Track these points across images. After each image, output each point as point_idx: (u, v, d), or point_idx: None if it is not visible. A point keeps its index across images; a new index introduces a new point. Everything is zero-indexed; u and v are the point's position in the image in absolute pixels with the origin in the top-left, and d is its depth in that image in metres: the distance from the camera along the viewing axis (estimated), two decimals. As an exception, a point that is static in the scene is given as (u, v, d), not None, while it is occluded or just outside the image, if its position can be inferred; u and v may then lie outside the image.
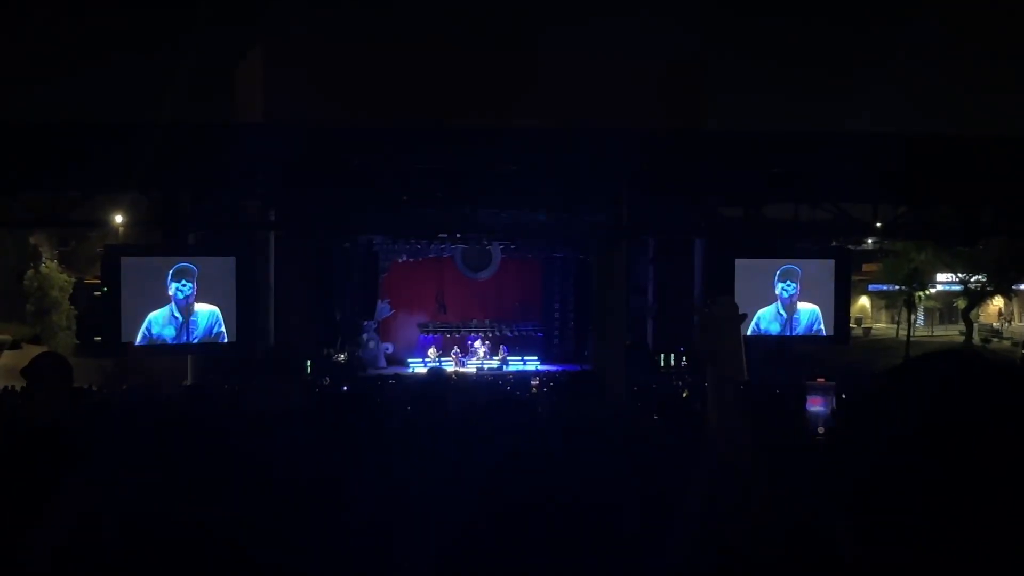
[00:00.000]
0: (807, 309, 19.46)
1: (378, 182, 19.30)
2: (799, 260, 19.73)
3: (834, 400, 8.09)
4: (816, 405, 7.25)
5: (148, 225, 19.97)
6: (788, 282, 19.33)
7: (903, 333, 41.56)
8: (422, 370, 24.48)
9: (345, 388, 16.94)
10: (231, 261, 18.28)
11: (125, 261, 17.94)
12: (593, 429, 3.29)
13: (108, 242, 22.86)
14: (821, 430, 5.99)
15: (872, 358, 30.72)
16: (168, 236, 18.22)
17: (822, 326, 19.56)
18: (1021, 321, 48.89)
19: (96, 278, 28.42)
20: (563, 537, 2.28)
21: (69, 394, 4.40)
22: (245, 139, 18.29)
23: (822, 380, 7.78)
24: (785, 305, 19.36)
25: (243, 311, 18.35)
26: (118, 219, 24.07)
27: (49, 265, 33.74)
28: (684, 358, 23.74)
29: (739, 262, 19.10)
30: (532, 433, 3.60)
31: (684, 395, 12.82)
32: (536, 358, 28.81)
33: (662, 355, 24.41)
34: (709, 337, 2.39)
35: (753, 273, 19.20)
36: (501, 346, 28.90)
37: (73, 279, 33.60)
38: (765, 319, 19.20)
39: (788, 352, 20.70)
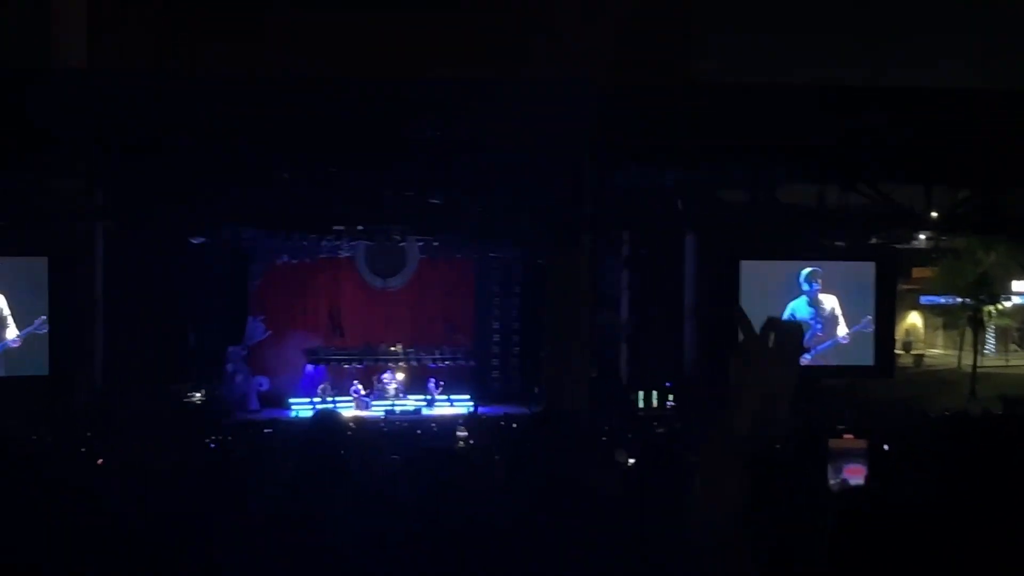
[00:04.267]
0: (845, 329, 19.50)
1: (246, 152, 19.15)
2: (827, 262, 19.77)
3: (866, 466, 7.56)
4: (841, 474, 7.04)
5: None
6: (815, 285, 19.34)
7: (967, 361, 41.98)
8: (309, 414, 24.32)
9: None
10: (42, 263, 18.05)
11: None
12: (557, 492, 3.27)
13: None
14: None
15: (926, 395, 30.99)
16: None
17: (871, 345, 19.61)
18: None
19: None
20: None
21: None
22: (61, 91, 18.04)
23: (850, 437, 7.54)
24: (815, 320, 19.36)
25: (58, 332, 18.11)
26: None
27: None
28: (670, 396, 23.74)
29: (745, 265, 19.15)
30: (464, 501, 3.57)
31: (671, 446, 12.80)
32: (468, 397, 28.64)
33: (640, 392, 24.44)
34: (756, 372, 2.31)
35: (765, 280, 19.25)
36: (428, 380, 28.68)
37: None
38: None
39: (816, 388, 20.65)
